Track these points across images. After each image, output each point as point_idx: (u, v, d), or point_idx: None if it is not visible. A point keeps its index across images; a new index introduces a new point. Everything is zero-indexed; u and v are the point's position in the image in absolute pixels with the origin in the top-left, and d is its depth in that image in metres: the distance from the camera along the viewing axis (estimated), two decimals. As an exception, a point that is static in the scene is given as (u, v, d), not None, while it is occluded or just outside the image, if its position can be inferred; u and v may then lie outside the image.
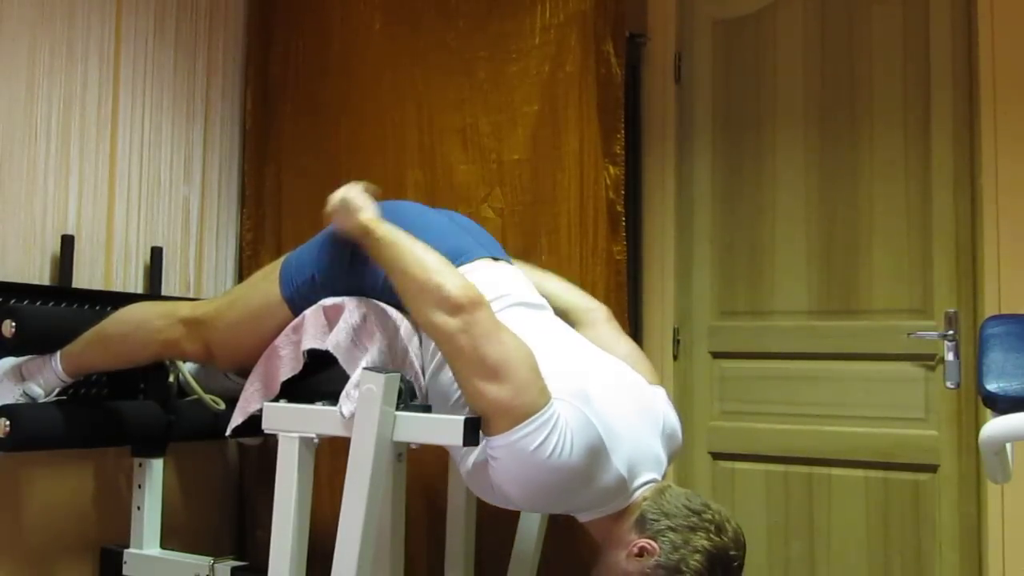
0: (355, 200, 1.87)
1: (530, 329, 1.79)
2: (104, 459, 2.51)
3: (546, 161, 2.56)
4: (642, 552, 1.68)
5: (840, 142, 2.60)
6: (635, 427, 1.76)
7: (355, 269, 1.91)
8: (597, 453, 1.66)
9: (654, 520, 1.69)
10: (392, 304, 1.88)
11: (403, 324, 1.86)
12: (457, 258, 1.88)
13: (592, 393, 1.71)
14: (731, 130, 2.73)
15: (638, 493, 1.73)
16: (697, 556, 1.65)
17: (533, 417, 1.61)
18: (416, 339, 1.87)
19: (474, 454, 1.70)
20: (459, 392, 1.74)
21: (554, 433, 1.61)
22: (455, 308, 1.68)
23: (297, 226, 2.81)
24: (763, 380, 2.65)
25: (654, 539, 1.68)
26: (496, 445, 1.63)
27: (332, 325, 1.85)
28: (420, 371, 1.85)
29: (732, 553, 1.68)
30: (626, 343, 2.04)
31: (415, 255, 1.78)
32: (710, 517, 1.69)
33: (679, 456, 2.69)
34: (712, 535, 1.67)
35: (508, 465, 1.64)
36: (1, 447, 2.07)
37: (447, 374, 1.77)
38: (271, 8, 2.98)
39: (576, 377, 1.73)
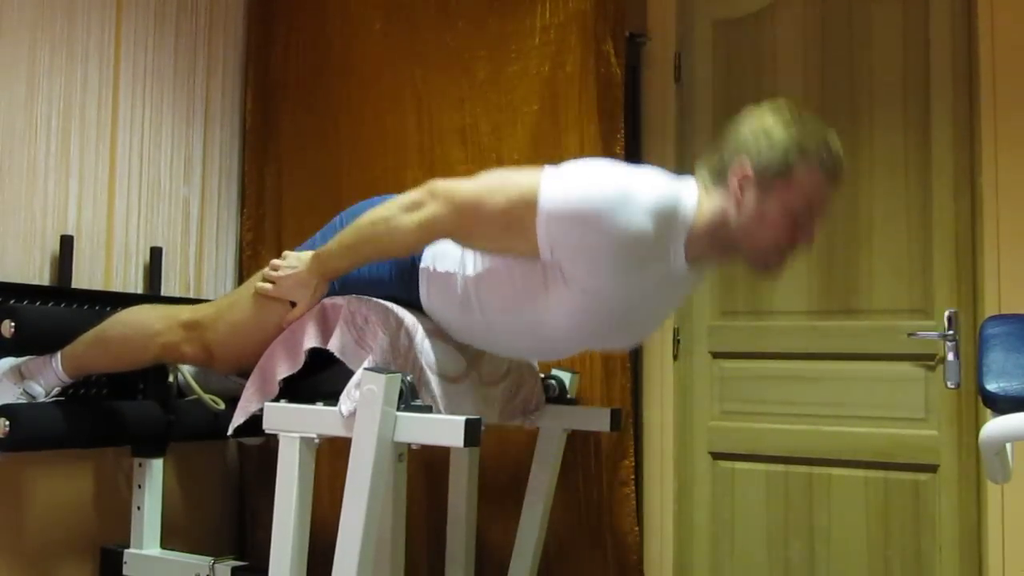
0: (287, 270, 1.87)
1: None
2: (104, 459, 2.51)
3: (546, 161, 2.50)
4: (741, 184, 1.66)
5: (840, 142, 2.59)
6: None
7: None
8: (615, 166, 1.67)
9: (717, 161, 1.70)
10: (397, 298, 1.89)
11: (404, 322, 1.86)
12: None
13: None
14: (731, 130, 2.73)
15: (694, 183, 1.73)
16: (770, 131, 1.64)
17: (540, 181, 1.64)
18: (419, 334, 1.87)
19: (554, 291, 1.70)
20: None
21: (566, 175, 1.64)
22: (420, 199, 1.72)
23: (297, 226, 2.81)
24: (763, 380, 2.65)
25: (735, 164, 1.66)
26: (543, 236, 1.64)
27: (333, 324, 1.85)
28: (424, 368, 1.85)
29: (784, 104, 1.67)
30: None
31: (363, 220, 1.79)
32: (741, 116, 1.69)
33: (679, 456, 2.70)
34: (757, 116, 1.67)
35: (568, 237, 1.63)
36: (1, 447, 2.07)
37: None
38: (271, 8, 2.98)
39: None
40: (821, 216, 1.70)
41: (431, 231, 1.74)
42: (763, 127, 1.65)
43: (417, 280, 1.90)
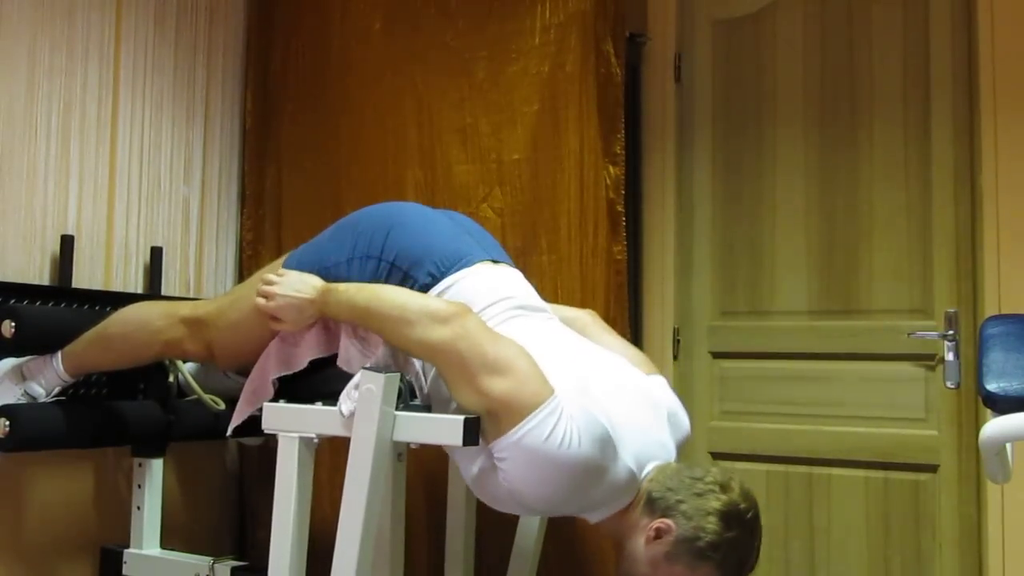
0: (290, 289, 1.86)
1: (531, 331, 1.79)
2: (104, 459, 2.51)
3: (546, 161, 2.56)
4: (659, 533, 1.68)
5: (840, 142, 2.60)
6: (638, 418, 1.76)
7: (355, 268, 1.91)
8: (605, 444, 1.65)
9: (660, 498, 1.70)
10: None
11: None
12: (458, 261, 1.88)
13: (593, 388, 1.71)
14: (731, 130, 2.73)
15: (643, 482, 1.74)
16: (711, 519, 1.65)
17: (540, 407, 1.60)
18: None
19: (478, 462, 1.69)
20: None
21: (561, 423, 1.61)
22: (445, 319, 1.69)
23: (297, 226, 2.81)
24: (763, 380, 2.65)
25: (666, 516, 1.68)
26: (504, 446, 1.62)
27: (334, 330, 1.86)
28: (421, 370, 1.85)
29: (743, 506, 1.68)
30: (618, 339, 2.06)
31: (385, 293, 1.79)
32: (712, 479, 1.70)
33: (679, 456, 2.70)
34: (719, 495, 1.67)
35: (518, 465, 1.62)
36: (1, 447, 2.07)
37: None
38: (271, 8, 2.98)
39: (577, 374, 1.73)
40: None
41: (430, 353, 1.72)
42: (708, 511, 1.67)
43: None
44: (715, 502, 1.68)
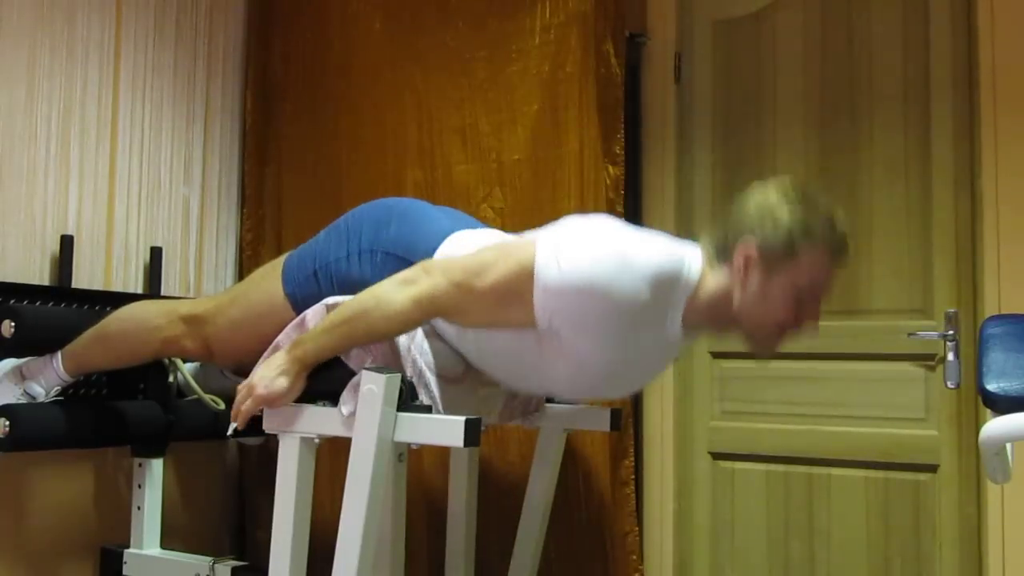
0: (257, 375, 1.76)
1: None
2: (104, 459, 2.52)
3: (546, 161, 2.56)
4: (746, 263, 1.65)
5: (840, 142, 2.60)
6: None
7: (356, 266, 1.91)
8: (612, 233, 1.65)
9: (722, 238, 1.68)
10: None
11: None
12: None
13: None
14: (731, 130, 2.73)
15: (698, 255, 1.71)
16: (776, 211, 1.63)
17: (535, 255, 1.63)
18: (419, 334, 1.87)
19: (559, 359, 1.69)
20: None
21: (562, 246, 1.62)
22: (415, 276, 1.70)
23: (297, 226, 2.81)
24: (763, 380, 2.65)
25: (739, 243, 1.65)
26: (542, 308, 1.63)
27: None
28: (423, 369, 1.84)
29: (789, 184, 1.67)
30: None
31: (350, 301, 1.75)
32: (747, 192, 1.69)
33: (679, 456, 2.70)
34: (765, 192, 1.67)
35: (567, 307, 1.61)
36: (1, 447, 2.07)
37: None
38: (271, 8, 2.98)
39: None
40: (825, 295, 1.70)
41: (426, 306, 1.70)
42: (768, 206, 1.64)
43: None
44: (769, 196, 1.65)
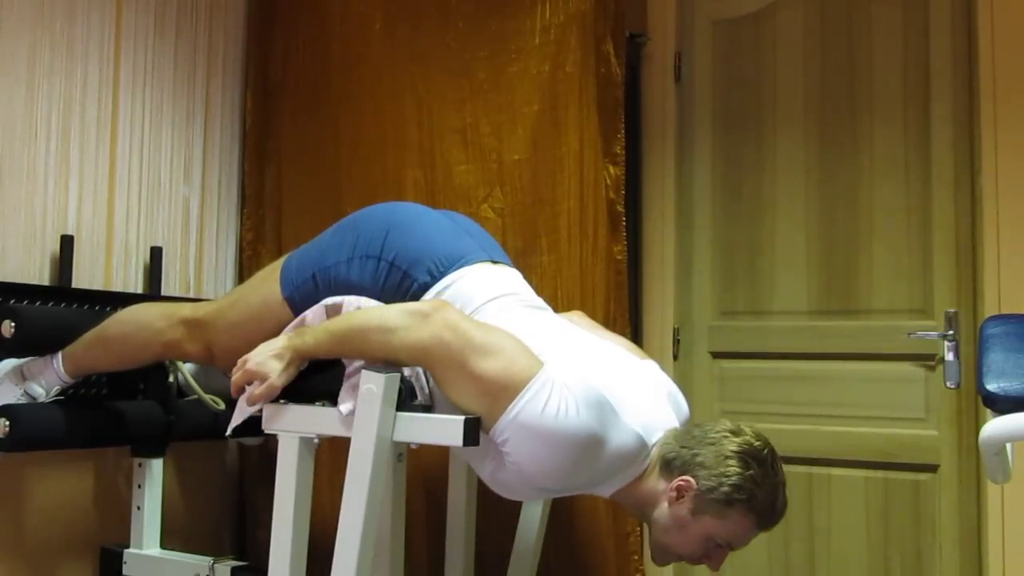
0: (260, 352, 1.78)
1: (529, 319, 1.81)
2: (104, 459, 2.51)
3: (546, 161, 2.56)
4: (680, 491, 1.68)
5: (840, 142, 2.60)
6: (640, 393, 1.77)
7: (355, 268, 1.91)
8: (603, 409, 1.64)
9: (675, 457, 1.70)
10: (394, 302, 1.88)
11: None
12: (457, 260, 1.88)
13: (591, 365, 1.72)
14: (731, 130, 2.73)
15: (654, 449, 1.73)
16: (730, 462, 1.66)
17: (531, 381, 1.60)
18: None
19: (489, 456, 1.69)
20: None
21: (554, 393, 1.60)
22: (426, 315, 1.68)
23: (297, 226, 2.81)
24: (763, 380, 2.65)
25: (685, 473, 1.68)
26: (503, 428, 1.61)
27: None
28: (422, 370, 1.84)
29: (757, 444, 1.70)
30: (610, 333, 2.08)
31: (359, 312, 1.76)
32: (722, 427, 1.72)
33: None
34: (732, 439, 1.69)
35: (520, 443, 1.61)
36: (1, 447, 2.07)
37: None
38: (271, 8, 2.98)
39: (574, 354, 1.74)
40: (734, 550, 1.76)
41: (417, 355, 1.70)
42: (724, 457, 1.68)
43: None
44: (730, 445, 1.68)
